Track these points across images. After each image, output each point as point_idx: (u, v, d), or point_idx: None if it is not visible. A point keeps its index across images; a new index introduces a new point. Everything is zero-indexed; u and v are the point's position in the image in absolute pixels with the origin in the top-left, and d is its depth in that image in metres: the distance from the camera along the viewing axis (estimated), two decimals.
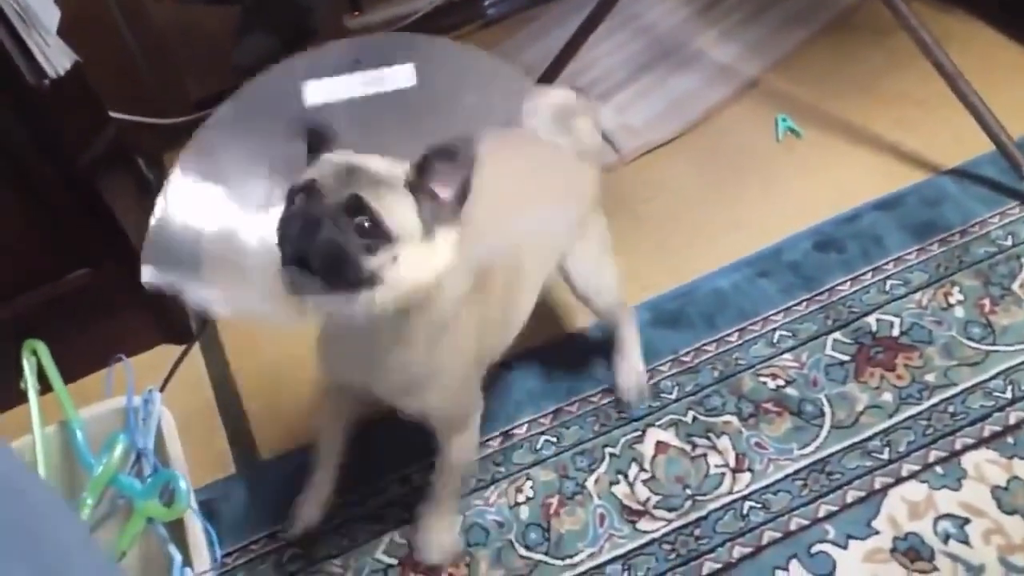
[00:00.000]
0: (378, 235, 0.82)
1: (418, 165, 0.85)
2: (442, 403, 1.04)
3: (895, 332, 1.32)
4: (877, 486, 1.16)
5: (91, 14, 1.73)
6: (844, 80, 1.77)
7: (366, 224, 0.82)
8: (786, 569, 1.10)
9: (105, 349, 1.48)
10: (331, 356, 1.03)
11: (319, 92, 1.00)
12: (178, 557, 0.95)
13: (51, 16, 1.29)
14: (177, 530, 1.01)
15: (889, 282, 1.38)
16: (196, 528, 1.00)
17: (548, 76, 1.71)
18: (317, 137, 0.90)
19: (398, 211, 0.83)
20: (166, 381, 1.46)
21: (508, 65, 1.10)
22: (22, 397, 1.16)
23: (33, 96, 1.23)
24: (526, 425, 1.30)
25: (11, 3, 1.16)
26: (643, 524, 1.17)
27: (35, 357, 1.13)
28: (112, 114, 1.72)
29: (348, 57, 1.03)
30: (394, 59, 1.03)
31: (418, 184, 0.85)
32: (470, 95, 1.05)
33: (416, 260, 0.85)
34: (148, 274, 0.90)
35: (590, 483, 1.22)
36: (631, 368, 1.30)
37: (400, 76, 1.03)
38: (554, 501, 1.21)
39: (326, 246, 0.80)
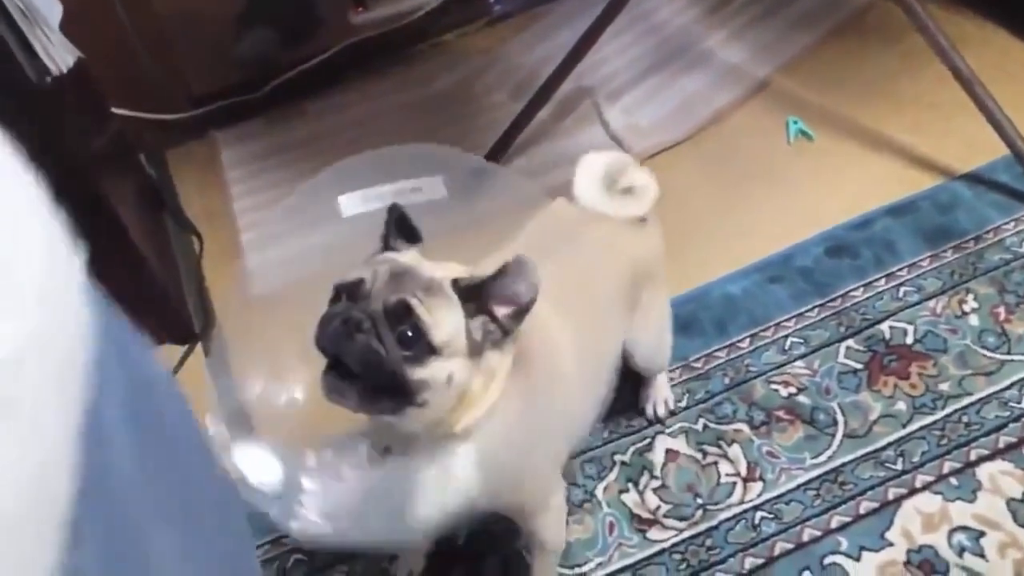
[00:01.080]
0: (422, 347, 0.77)
1: (479, 282, 0.80)
2: (524, 499, 0.97)
3: (909, 340, 1.30)
4: (891, 497, 1.15)
5: (93, 7, 1.71)
6: (856, 82, 1.74)
7: (409, 333, 0.77)
8: None
9: None
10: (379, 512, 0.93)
11: (353, 204, 0.99)
12: None
13: (54, 12, 1.27)
14: None
15: (902, 289, 1.36)
16: None
17: (558, 76, 1.68)
18: (406, 229, 0.87)
19: (447, 323, 0.78)
20: None
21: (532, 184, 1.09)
22: None
23: (35, 93, 1.21)
24: None
25: (15, 0, 1.14)
26: (653, 533, 1.16)
27: None
28: (114, 110, 1.71)
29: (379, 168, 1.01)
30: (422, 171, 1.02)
31: (475, 298, 0.80)
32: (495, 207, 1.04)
33: (462, 379, 0.80)
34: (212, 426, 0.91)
35: (599, 491, 1.20)
36: (660, 388, 1.27)
37: (431, 188, 1.03)
38: None
39: (362, 351, 0.76)
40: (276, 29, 2.04)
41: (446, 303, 0.79)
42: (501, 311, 0.80)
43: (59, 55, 1.22)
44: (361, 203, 1.01)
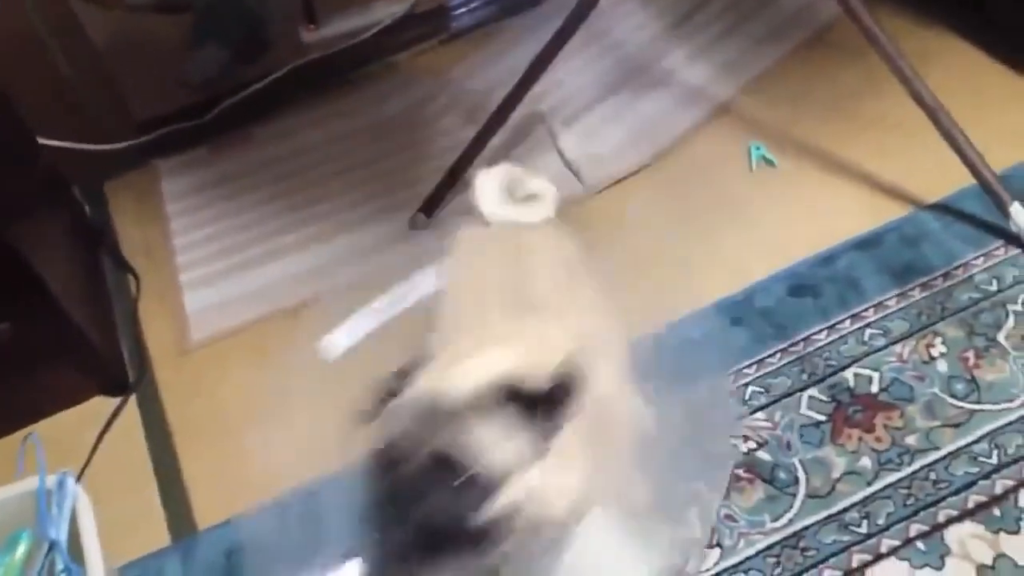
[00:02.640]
0: (479, 485, 0.69)
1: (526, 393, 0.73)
2: None
3: (874, 388, 1.24)
4: (855, 564, 1.09)
5: (17, 35, 1.63)
6: (820, 102, 1.68)
7: (459, 481, 0.69)
8: None
9: (32, 405, 1.40)
10: None
11: (340, 341, 0.92)
12: None
13: None
14: None
15: (868, 331, 1.30)
16: None
17: (511, 100, 1.61)
18: None
19: (498, 444, 0.71)
20: (95, 447, 1.36)
21: None
22: None
23: None
24: None
25: None
26: None
27: None
28: (44, 141, 1.62)
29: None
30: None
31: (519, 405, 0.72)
32: None
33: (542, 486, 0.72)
34: None
35: None
36: None
37: (422, 284, 0.95)
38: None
39: (420, 524, 0.69)
40: (226, 50, 1.96)
41: (490, 420, 0.71)
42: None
43: None
44: (347, 338, 0.93)
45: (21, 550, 0.97)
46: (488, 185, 1.11)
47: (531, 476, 0.71)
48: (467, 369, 0.75)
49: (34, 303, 1.32)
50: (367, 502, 0.73)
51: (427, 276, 1.03)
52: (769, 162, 1.59)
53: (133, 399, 1.44)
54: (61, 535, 0.99)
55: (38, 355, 1.35)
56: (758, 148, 1.60)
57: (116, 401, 1.43)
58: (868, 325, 1.31)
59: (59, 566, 0.98)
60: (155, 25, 1.96)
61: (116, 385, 1.44)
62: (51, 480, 1.04)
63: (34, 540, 0.98)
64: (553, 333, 0.84)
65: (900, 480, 1.14)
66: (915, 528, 1.10)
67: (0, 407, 1.35)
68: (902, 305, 1.32)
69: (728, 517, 1.14)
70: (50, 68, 1.72)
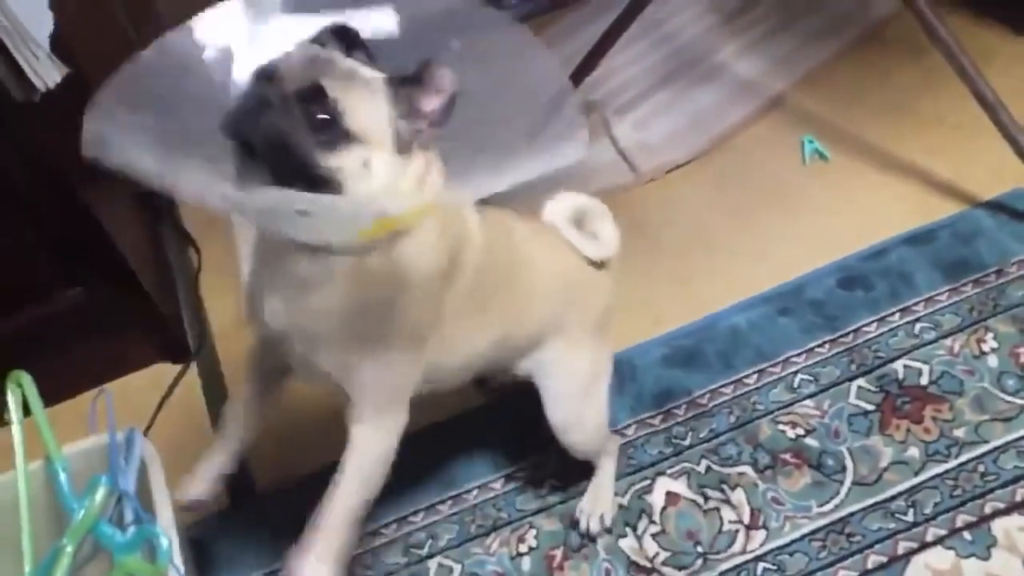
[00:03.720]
0: (336, 132, 0.74)
1: (402, 77, 0.78)
2: (362, 369, 0.89)
3: (924, 381, 1.25)
4: (900, 551, 1.10)
5: (92, 11, 1.67)
6: (875, 100, 1.68)
7: (320, 116, 0.74)
8: None
9: (100, 368, 1.45)
10: (257, 286, 0.91)
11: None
12: None
13: (43, 27, 1.22)
14: None
15: (918, 325, 1.31)
16: None
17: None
18: (349, 39, 0.80)
19: (366, 111, 0.76)
20: (156, 411, 1.41)
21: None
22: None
23: (21, 110, 1.18)
24: (530, 468, 1.24)
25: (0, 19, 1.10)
26: None
27: (20, 389, 1.08)
28: None
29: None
30: None
31: (398, 90, 0.77)
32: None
33: (387, 172, 0.77)
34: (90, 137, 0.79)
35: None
36: (600, 498, 1.17)
37: (379, 22, 0.90)
38: (558, 553, 1.16)
39: (267, 131, 0.73)
40: None
41: (368, 92, 0.77)
42: (430, 104, 0.77)
43: (45, 72, 1.18)
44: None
45: (101, 493, 1.01)
46: (560, 205, 1.11)
47: (380, 154, 0.77)
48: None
49: (106, 269, 1.37)
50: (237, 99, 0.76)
51: (385, 16, 0.96)
52: (822, 156, 1.60)
53: (194, 367, 1.48)
54: (131, 486, 1.03)
55: (107, 319, 1.40)
56: (811, 142, 1.61)
57: (178, 368, 1.48)
58: (919, 319, 1.32)
59: (129, 515, 1.02)
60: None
61: (178, 352, 1.49)
62: (120, 436, 1.09)
63: (109, 488, 1.02)
64: None
65: (948, 471, 1.16)
66: (962, 519, 1.11)
67: (72, 368, 1.40)
68: (954, 300, 1.33)
69: (775, 500, 1.16)
70: (122, 43, 1.76)
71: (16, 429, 1.05)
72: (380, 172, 0.77)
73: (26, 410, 1.07)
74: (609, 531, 1.16)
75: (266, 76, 0.76)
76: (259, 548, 1.22)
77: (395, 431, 0.93)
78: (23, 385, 1.08)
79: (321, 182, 0.75)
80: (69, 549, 0.99)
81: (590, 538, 1.16)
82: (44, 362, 1.19)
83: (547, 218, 1.10)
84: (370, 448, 0.92)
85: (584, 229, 1.11)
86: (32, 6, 1.24)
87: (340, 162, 0.75)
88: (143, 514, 1.01)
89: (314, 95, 0.74)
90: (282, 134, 0.74)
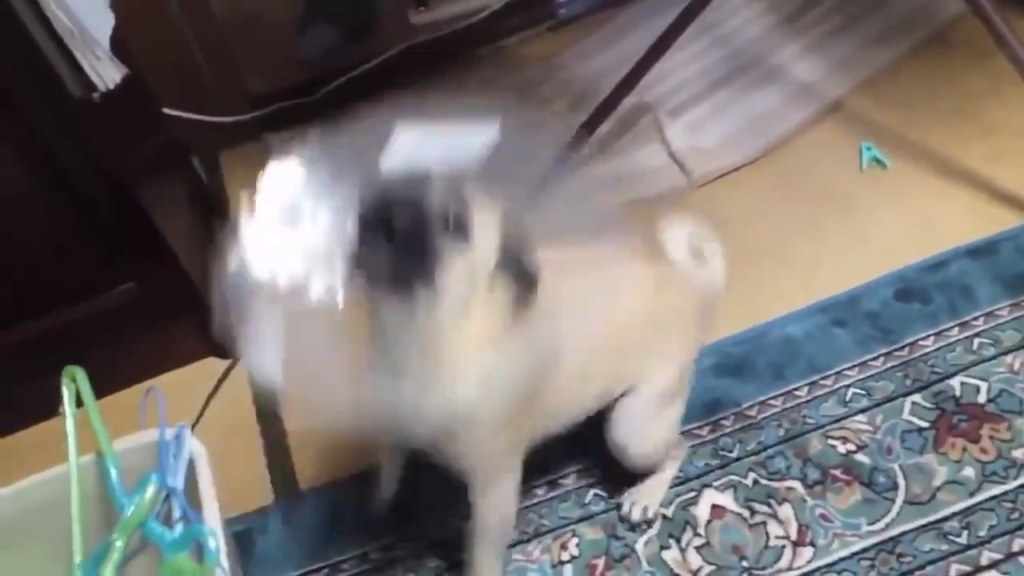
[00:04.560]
0: (464, 234, 0.82)
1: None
2: (471, 448, 0.97)
3: (981, 399, 1.21)
4: (953, 574, 1.07)
5: (149, 9, 1.70)
6: (937, 105, 1.64)
7: (458, 218, 0.82)
8: None
9: (152, 361, 1.48)
10: (365, 402, 0.94)
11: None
12: None
13: (104, 27, 1.25)
14: None
15: (977, 340, 1.27)
16: None
17: (622, 88, 1.62)
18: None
19: (488, 237, 0.84)
20: (204, 407, 1.43)
21: None
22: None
23: (80, 108, 1.20)
24: (575, 475, 1.23)
25: (62, 19, 1.12)
26: None
27: (74, 384, 1.10)
28: (167, 111, 1.69)
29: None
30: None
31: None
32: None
33: (474, 294, 0.85)
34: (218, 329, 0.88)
35: (639, 545, 1.15)
36: (651, 492, 1.18)
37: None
38: (600, 563, 1.15)
39: (415, 203, 0.80)
40: (337, 28, 2.01)
41: (491, 226, 0.85)
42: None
43: (106, 72, 1.20)
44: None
45: (151, 491, 1.03)
46: (679, 233, 1.15)
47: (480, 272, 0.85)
48: None
49: (158, 264, 1.39)
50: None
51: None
52: (881, 163, 1.56)
53: (242, 363, 1.50)
54: (179, 483, 1.04)
55: (159, 314, 1.42)
56: (869, 148, 1.58)
57: (227, 363, 1.50)
58: (978, 334, 1.28)
59: (176, 512, 1.03)
60: (272, 3, 2.02)
61: (228, 348, 1.50)
62: (169, 432, 1.10)
63: (158, 485, 1.04)
64: None
65: (1005, 493, 1.12)
66: (1018, 543, 1.08)
67: (122, 362, 1.43)
68: (1015, 316, 1.29)
69: (823, 517, 1.14)
70: (176, 40, 1.79)
71: (70, 424, 1.07)
72: (474, 285, 0.85)
73: (78, 402, 1.09)
74: (650, 524, 1.16)
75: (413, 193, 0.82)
76: (300, 547, 1.23)
77: (511, 493, 1.04)
78: (77, 380, 1.10)
79: (432, 264, 0.81)
80: (119, 544, 1.01)
81: (630, 526, 1.17)
82: (96, 356, 1.22)
83: (667, 245, 1.13)
84: (491, 517, 1.04)
85: (697, 256, 1.15)
86: (93, 6, 1.27)
87: (456, 258, 0.82)
88: (191, 512, 1.02)
89: (458, 202, 0.83)
90: (429, 212, 0.81)
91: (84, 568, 1.00)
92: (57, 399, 1.11)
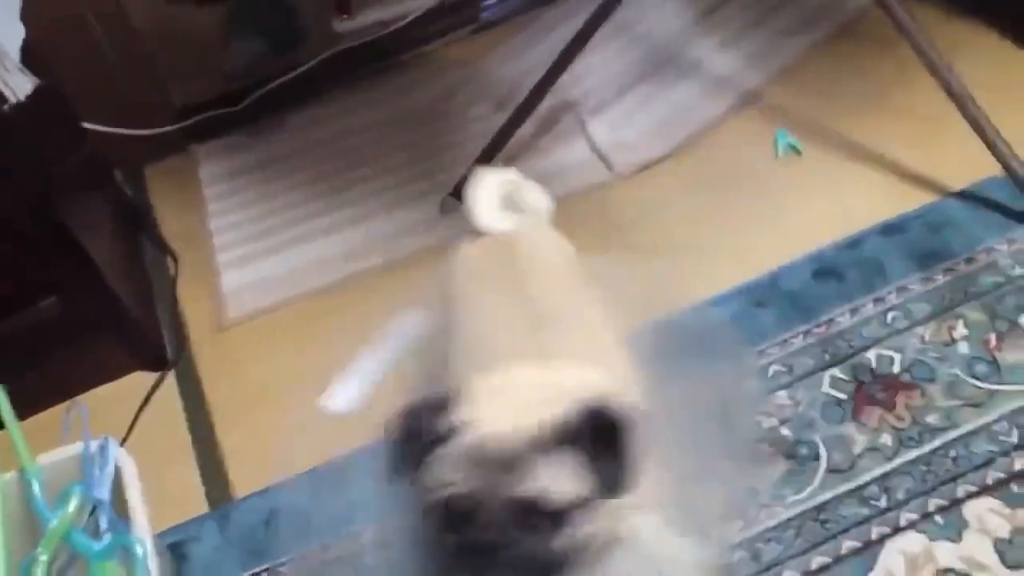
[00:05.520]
0: (555, 521, 0.71)
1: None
2: None
3: (896, 369, 1.26)
4: (874, 536, 1.11)
5: (65, 18, 1.68)
6: (848, 92, 1.69)
7: (538, 523, 0.71)
8: None
9: (77, 377, 1.45)
10: None
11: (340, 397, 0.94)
12: None
13: (14, 37, 1.23)
14: None
15: (891, 314, 1.32)
16: None
17: (540, 88, 1.64)
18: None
19: (564, 478, 0.72)
20: (134, 421, 1.41)
21: None
22: None
23: None
24: None
25: None
26: None
27: None
28: (88, 126, 1.67)
29: None
30: None
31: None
32: None
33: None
34: None
35: None
36: None
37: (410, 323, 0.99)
38: None
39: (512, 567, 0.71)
40: (261, 38, 2.01)
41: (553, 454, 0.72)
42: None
43: (16, 83, 1.19)
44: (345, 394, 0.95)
45: (74, 503, 1.01)
46: (484, 194, 1.08)
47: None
48: (517, 409, 0.74)
49: (80, 279, 1.38)
50: (440, 562, 0.73)
51: (413, 315, 1.03)
52: (796, 150, 1.61)
53: (172, 375, 1.49)
54: (105, 494, 1.03)
55: (83, 329, 1.40)
56: (784, 135, 1.62)
57: (156, 376, 1.48)
58: (891, 308, 1.33)
59: (104, 524, 1.02)
60: (195, 14, 2.01)
61: (156, 360, 1.49)
62: (94, 445, 1.09)
63: (83, 497, 1.03)
64: (577, 362, 0.84)
65: (920, 457, 1.16)
66: (934, 503, 1.12)
67: (46, 379, 1.40)
68: (926, 289, 1.34)
69: (751, 490, 1.17)
70: (95, 54, 1.77)
71: None
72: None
73: None
74: None
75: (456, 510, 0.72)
76: (237, 552, 1.22)
77: None
78: None
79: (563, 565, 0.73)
80: (43, 558, 0.99)
81: None
82: (19, 374, 1.19)
83: (475, 211, 1.06)
84: None
85: (514, 203, 1.09)
86: (2, 18, 1.25)
87: (570, 536, 0.73)
88: (118, 522, 1.01)
89: (523, 508, 0.71)
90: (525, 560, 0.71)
91: None
92: None
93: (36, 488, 1.03)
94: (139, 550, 0.93)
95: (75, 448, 1.09)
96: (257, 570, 1.19)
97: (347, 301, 1.52)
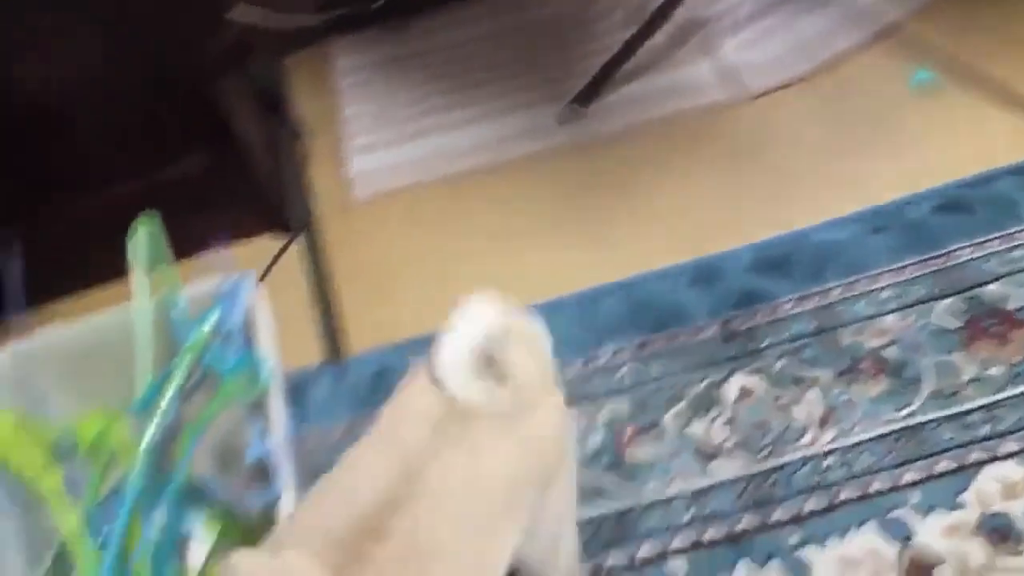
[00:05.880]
0: None
1: None
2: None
3: (1012, 306, 1.23)
4: (971, 460, 1.10)
5: None
6: (991, 29, 1.63)
7: None
8: (858, 529, 1.06)
9: (210, 235, 1.54)
10: None
11: None
12: (257, 428, 0.98)
13: None
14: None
15: (1017, 251, 1.29)
16: (278, 406, 1.03)
17: (672, 2, 1.64)
18: None
19: None
20: (267, 271, 1.50)
21: None
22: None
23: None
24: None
25: None
26: (716, 465, 1.15)
27: (145, 231, 1.17)
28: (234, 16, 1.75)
29: None
30: None
31: None
32: None
33: None
34: None
35: (667, 419, 1.20)
36: None
37: None
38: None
39: None
40: None
41: None
42: None
43: None
44: None
45: (209, 324, 1.09)
46: (457, 351, 0.78)
47: None
48: None
49: (223, 143, 1.46)
50: None
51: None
52: (933, 84, 1.57)
53: (298, 243, 1.57)
54: (239, 320, 1.11)
55: (222, 188, 1.49)
56: (923, 71, 1.58)
57: (282, 242, 1.56)
58: (1018, 246, 1.29)
59: (234, 349, 1.10)
60: None
61: (284, 227, 1.57)
62: (231, 280, 1.17)
63: (218, 321, 1.11)
64: None
65: None
66: None
67: (186, 230, 1.50)
68: None
69: (849, 403, 1.17)
70: None
71: (138, 266, 1.13)
72: None
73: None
74: None
75: None
76: (345, 401, 1.30)
77: None
78: (149, 227, 1.17)
79: None
80: (183, 365, 1.07)
81: None
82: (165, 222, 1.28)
83: (443, 369, 0.77)
84: None
85: (491, 370, 0.77)
86: None
87: None
88: (248, 348, 1.09)
89: None
90: None
91: (149, 390, 1.07)
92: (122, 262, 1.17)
93: (182, 304, 1.11)
94: (268, 365, 1.00)
95: (213, 282, 1.18)
96: (363, 413, 1.26)
97: (463, 193, 1.58)
